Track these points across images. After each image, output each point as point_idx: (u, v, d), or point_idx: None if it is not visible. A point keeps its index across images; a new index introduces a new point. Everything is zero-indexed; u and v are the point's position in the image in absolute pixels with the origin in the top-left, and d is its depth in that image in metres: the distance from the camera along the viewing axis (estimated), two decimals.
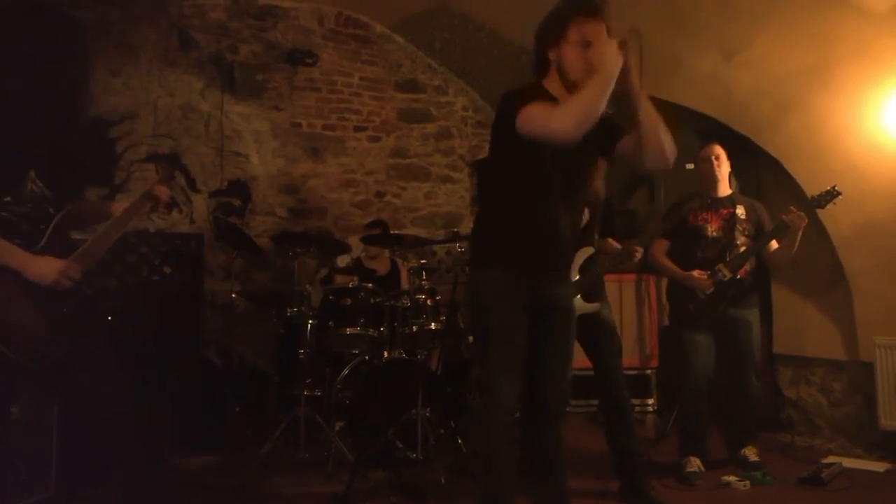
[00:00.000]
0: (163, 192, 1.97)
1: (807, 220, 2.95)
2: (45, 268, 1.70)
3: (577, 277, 2.81)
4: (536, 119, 1.82)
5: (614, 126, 2.10)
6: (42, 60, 3.32)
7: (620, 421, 2.70)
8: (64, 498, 2.46)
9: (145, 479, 2.70)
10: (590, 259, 2.84)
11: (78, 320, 1.73)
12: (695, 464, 2.99)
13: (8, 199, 1.71)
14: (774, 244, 3.09)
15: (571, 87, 1.92)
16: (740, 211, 3.12)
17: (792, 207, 2.98)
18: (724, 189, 3.19)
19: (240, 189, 4.49)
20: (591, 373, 2.84)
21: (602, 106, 1.80)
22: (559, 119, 1.79)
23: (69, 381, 1.78)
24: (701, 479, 2.93)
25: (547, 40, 1.96)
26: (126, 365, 1.83)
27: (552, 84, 1.99)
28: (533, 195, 1.97)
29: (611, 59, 1.76)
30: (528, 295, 1.97)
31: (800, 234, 2.98)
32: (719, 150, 3.18)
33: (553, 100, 1.92)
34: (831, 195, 3.01)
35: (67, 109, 3.74)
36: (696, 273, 3.05)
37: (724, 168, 3.17)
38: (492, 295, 1.98)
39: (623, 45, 1.80)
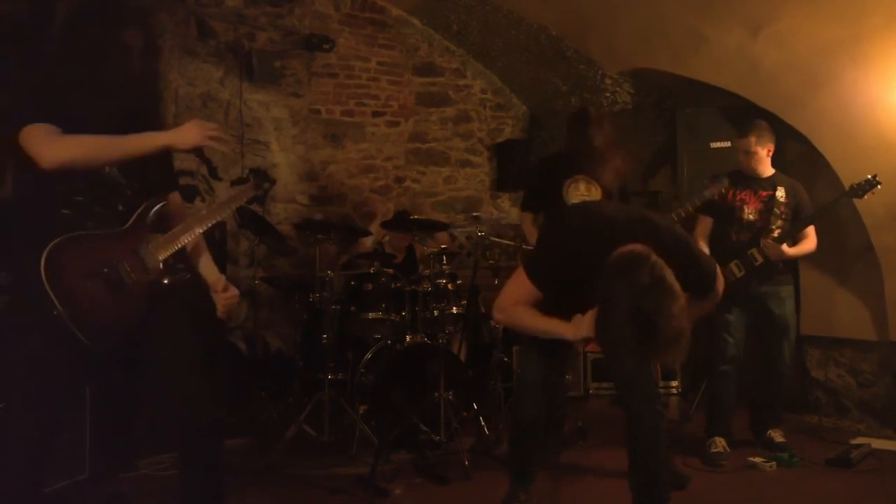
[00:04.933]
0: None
1: (783, 255, 2.97)
2: (188, 133, 1.74)
3: None
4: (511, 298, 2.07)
5: None
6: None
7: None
8: (98, 480, 2.53)
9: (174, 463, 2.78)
10: None
11: (155, 305, 1.71)
12: (720, 444, 3.00)
13: (85, 182, 1.69)
14: (811, 229, 3.05)
15: None
16: (780, 193, 3.04)
17: (767, 240, 2.96)
18: (766, 171, 3.12)
19: (261, 177, 4.52)
20: None
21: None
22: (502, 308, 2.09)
23: (143, 365, 1.77)
24: (726, 460, 2.93)
25: None
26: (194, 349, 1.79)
27: None
28: None
29: None
30: None
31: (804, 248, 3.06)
32: (748, 145, 3.05)
33: None
34: (870, 184, 2.91)
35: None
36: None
37: (755, 160, 3.07)
38: None
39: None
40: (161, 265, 1.72)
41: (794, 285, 3.23)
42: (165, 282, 1.73)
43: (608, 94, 4.55)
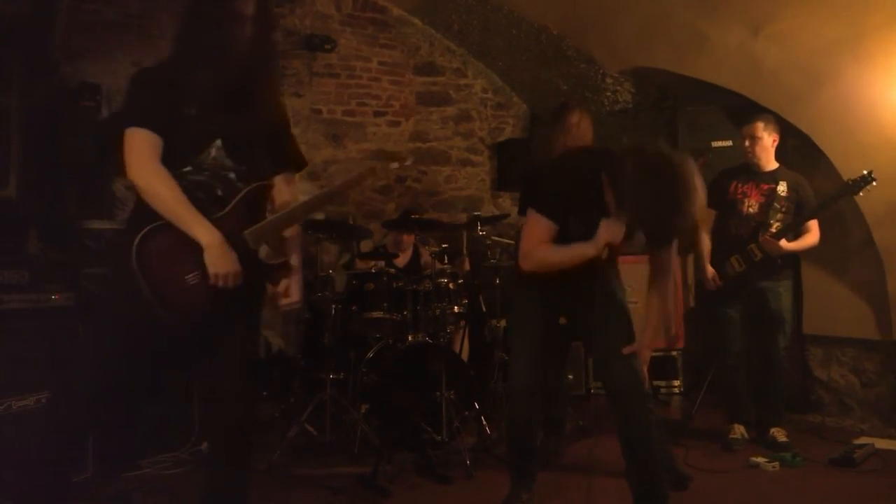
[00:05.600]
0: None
1: (780, 250, 2.99)
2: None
3: None
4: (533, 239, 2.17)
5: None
6: None
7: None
8: (102, 478, 2.54)
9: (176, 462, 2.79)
10: None
11: (234, 296, 1.69)
12: (738, 431, 3.09)
13: (189, 168, 1.68)
14: (814, 224, 3.05)
15: None
16: (782, 188, 3.06)
17: (765, 236, 2.99)
18: (768, 164, 3.12)
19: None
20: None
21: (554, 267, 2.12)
22: (527, 256, 2.17)
23: (213, 355, 1.76)
24: (742, 446, 3.04)
25: None
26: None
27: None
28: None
29: None
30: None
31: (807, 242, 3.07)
32: (755, 130, 3.10)
33: None
34: (865, 181, 2.92)
35: None
36: (709, 274, 3.12)
37: (760, 147, 3.10)
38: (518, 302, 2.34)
39: None
40: (255, 254, 1.71)
41: (795, 281, 3.24)
42: (255, 272, 1.71)
43: (609, 94, 4.55)
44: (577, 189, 2.04)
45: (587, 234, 2.00)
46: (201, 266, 1.63)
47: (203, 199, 1.67)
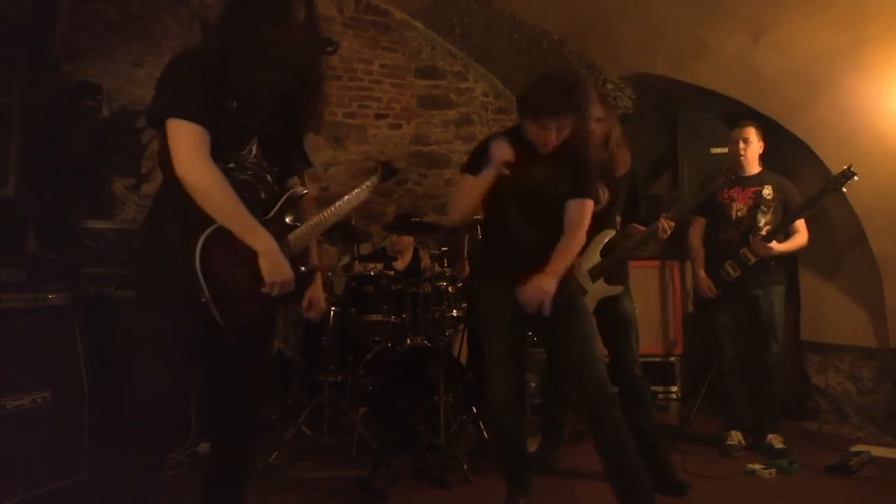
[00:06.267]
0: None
1: (772, 252, 3.02)
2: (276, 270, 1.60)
3: (599, 260, 2.79)
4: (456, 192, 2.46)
5: (576, 187, 2.31)
6: None
7: (639, 408, 2.69)
8: (96, 480, 2.53)
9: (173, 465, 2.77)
10: (611, 241, 2.82)
11: (280, 302, 1.68)
12: (735, 437, 3.11)
13: (231, 164, 1.62)
14: (802, 224, 3.08)
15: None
16: (767, 191, 3.10)
17: (756, 239, 3.03)
18: (753, 167, 3.17)
19: (387, 168, 4.51)
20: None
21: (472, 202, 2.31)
22: (451, 206, 2.48)
23: (247, 361, 1.73)
24: (740, 452, 3.06)
25: (522, 110, 2.29)
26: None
27: (529, 131, 2.27)
28: (496, 216, 2.32)
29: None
30: (514, 300, 2.19)
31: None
32: (749, 133, 3.16)
33: (527, 145, 2.26)
34: (846, 175, 2.95)
35: None
36: (703, 281, 3.16)
37: (751, 151, 3.16)
38: (484, 301, 2.37)
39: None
40: (294, 261, 1.69)
41: (789, 287, 3.27)
42: (299, 276, 1.69)
43: (610, 99, 4.56)
44: None
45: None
46: (255, 272, 1.58)
47: (249, 200, 1.61)
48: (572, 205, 2.27)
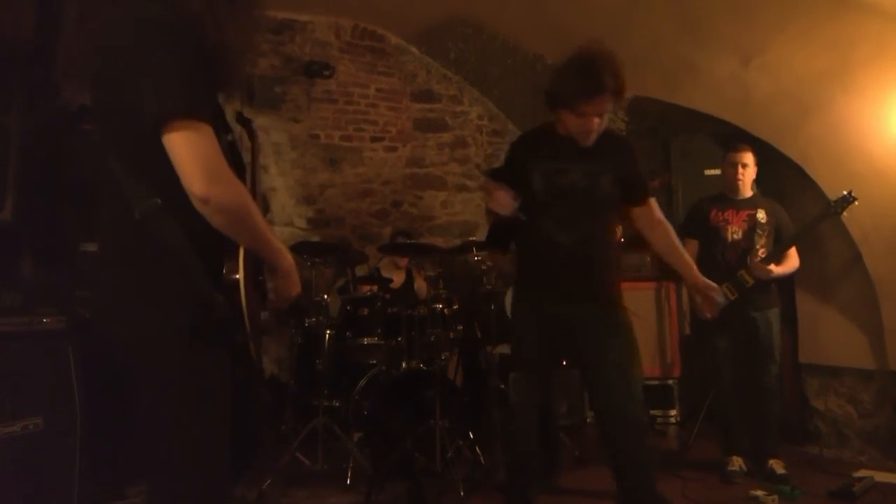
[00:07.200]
0: None
1: (771, 274, 3.00)
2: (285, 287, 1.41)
3: None
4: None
5: (634, 189, 2.18)
6: None
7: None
8: None
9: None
10: None
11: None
12: (736, 463, 3.06)
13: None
14: (793, 249, 3.08)
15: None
16: (761, 214, 3.10)
17: (755, 261, 3.00)
18: (747, 192, 3.17)
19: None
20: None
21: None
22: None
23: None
24: (741, 477, 3.01)
25: (554, 107, 2.09)
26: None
27: (561, 125, 2.10)
28: (528, 225, 2.15)
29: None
30: (548, 325, 2.11)
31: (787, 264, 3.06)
32: (747, 158, 3.15)
33: (559, 141, 2.10)
34: (847, 200, 2.96)
35: None
36: (698, 299, 3.06)
37: (748, 175, 3.15)
38: (515, 328, 2.25)
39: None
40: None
41: (785, 309, 3.26)
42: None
43: None
44: None
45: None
46: (261, 289, 1.44)
47: None
48: (643, 211, 2.14)
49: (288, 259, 1.40)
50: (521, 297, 2.24)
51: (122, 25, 1.23)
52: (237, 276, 1.26)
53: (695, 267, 2.23)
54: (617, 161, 2.10)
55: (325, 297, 3.45)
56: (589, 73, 1.93)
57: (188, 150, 1.18)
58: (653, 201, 2.21)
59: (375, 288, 3.61)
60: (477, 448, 3.17)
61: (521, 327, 2.23)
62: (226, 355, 1.27)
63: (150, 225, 1.23)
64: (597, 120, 1.99)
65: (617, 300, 2.17)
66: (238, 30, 1.31)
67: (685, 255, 2.21)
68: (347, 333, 3.45)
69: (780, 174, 3.57)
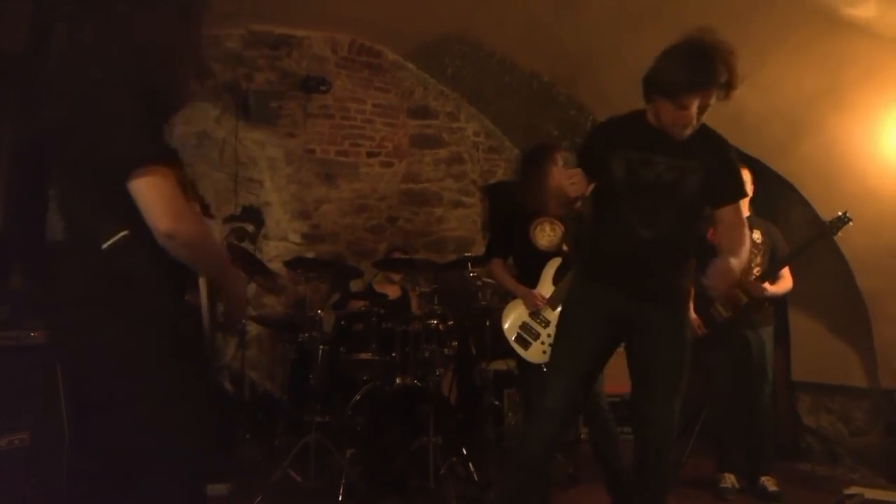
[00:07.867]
0: None
1: (765, 293, 3.01)
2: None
3: (553, 288, 2.77)
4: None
5: (724, 191, 2.01)
6: None
7: (607, 442, 2.65)
8: None
9: None
10: (560, 268, 2.79)
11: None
12: (728, 480, 3.07)
13: None
14: (786, 269, 3.10)
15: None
16: (756, 235, 3.12)
17: (749, 280, 2.99)
18: (744, 212, 3.19)
19: (253, 215, 4.53)
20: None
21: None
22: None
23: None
24: (733, 494, 3.03)
25: (651, 93, 1.98)
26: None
27: (652, 114, 2.01)
28: (610, 214, 2.02)
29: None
30: (611, 310, 1.98)
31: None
32: (745, 178, 3.17)
33: (648, 131, 1.98)
34: (842, 221, 2.98)
35: None
36: (692, 321, 3.05)
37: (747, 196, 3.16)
38: (570, 300, 2.10)
39: None
40: None
41: (777, 327, 3.27)
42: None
43: None
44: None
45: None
46: (214, 311, 1.48)
47: None
48: (727, 211, 1.93)
49: (242, 286, 1.54)
50: (588, 276, 2.08)
51: (87, 65, 1.29)
52: (200, 301, 1.39)
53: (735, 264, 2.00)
54: (709, 160, 1.95)
55: (319, 312, 3.44)
56: (701, 63, 1.79)
57: (154, 193, 1.25)
58: (744, 203, 2.08)
59: (366, 304, 3.60)
60: (471, 465, 3.15)
61: (579, 297, 2.06)
62: (194, 368, 1.40)
63: (117, 255, 1.31)
64: (695, 113, 1.85)
65: (686, 310, 2.07)
66: (190, 47, 1.38)
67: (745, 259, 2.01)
68: (341, 349, 3.43)
69: (772, 192, 3.60)
